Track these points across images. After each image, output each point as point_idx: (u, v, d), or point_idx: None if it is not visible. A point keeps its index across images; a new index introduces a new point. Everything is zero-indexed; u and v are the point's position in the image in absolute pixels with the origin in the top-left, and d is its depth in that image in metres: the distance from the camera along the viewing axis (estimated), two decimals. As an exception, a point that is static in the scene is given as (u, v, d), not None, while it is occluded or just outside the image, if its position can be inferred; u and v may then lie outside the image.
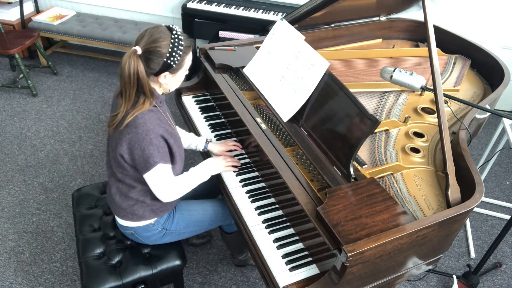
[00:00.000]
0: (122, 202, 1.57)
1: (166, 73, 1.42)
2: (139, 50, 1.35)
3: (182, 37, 1.40)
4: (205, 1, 3.37)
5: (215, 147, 1.81)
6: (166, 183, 1.49)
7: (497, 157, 3.02)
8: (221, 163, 1.69)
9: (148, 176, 1.46)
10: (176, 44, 1.38)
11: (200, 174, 1.64)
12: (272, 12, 3.28)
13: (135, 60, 1.34)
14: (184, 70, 1.48)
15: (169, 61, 1.38)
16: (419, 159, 1.65)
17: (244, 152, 1.82)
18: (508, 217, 2.59)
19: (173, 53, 1.37)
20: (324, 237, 1.25)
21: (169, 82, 1.47)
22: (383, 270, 1.32)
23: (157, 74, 1.41)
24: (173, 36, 1.38)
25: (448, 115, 1.90)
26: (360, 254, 1.17)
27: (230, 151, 1.81)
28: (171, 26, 1.41)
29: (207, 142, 1.83)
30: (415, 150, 1.68)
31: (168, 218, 1.67)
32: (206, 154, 1.85)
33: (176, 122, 3.26)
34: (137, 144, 1.40)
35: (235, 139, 1.90)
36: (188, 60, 1.47)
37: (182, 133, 1.83)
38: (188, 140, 1.83)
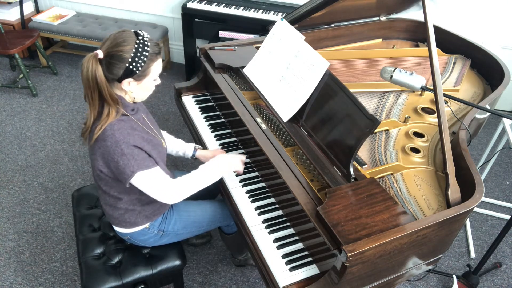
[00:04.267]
0: (112, 212, 1.57)
1: (130, 80, 1.35)
2: (100, 53, 1.31)
3: (148, 43, 1.33)
4: (205, 1, 3.37)
5: (204, 154, 1.79)
6: (158, 186, 1.43)
7: (497, 157, 3.02)
8: (238, 158, 1.60)
9: (134, 184, 1.41)
10: (140, 49, 1.31)
11: (211, 171, 1.52)
12: (272, 12, 3.27)
13: (94, 63, 1.29)
14: (151, 79, 1.40)
15: (131, 67, 1.31)
16: (419, 159, 1.65)
17: (244, 152, 1.83)
18: (508, 217, 2.59)
19: (136, 59, 1.31)
20: (324, 237, 1.25)
21: (134, 90, 1.39)
22: (383, 270, 1.32)
23: (120, 80, 1.34)
24: (137, 41, 1.31)
25: (448, 115, 1.90)
26: (360, 254, 1.17)
27: None
28: (139, 31, 1.35)
29: (195, 149, 1.80)
30: (415, 150, 1.68)
31: (163, 220, 1.66)
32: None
33: (176, 122, 3.30)
34: (109, 157, 1.35)
35: (235, 139, 1.91)
36: (156, 68, 1.39)
37: (170, 139, 1.80)
38: (176, 147, 1.80)
